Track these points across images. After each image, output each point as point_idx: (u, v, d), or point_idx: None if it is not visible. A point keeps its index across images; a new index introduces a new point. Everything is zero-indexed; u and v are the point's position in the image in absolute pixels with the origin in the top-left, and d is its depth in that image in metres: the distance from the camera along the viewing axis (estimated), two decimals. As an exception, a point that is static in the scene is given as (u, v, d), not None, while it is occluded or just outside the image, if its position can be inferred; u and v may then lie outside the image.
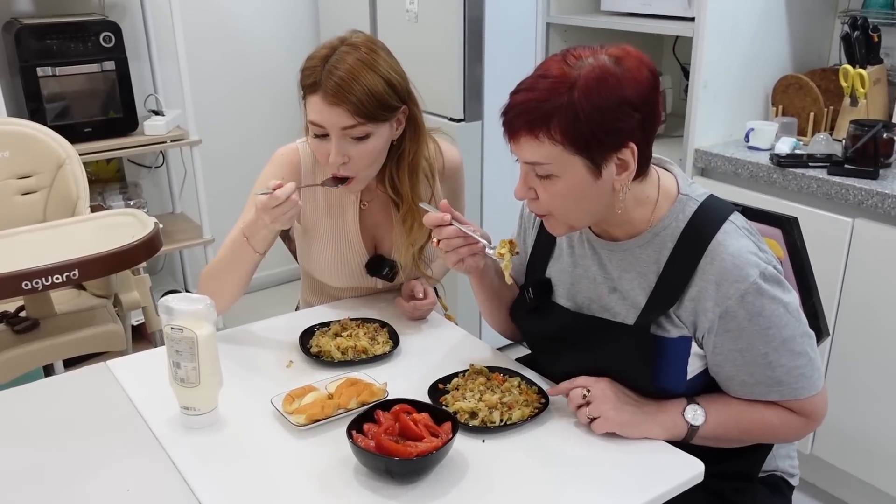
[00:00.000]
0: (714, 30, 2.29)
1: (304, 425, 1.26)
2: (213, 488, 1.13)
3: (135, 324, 2.74)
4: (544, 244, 1.43)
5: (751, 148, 2.35)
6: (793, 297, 1.23)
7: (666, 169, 1.31)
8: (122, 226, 1.91)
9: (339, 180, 1.53)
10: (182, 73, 2.94)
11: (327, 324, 1.59)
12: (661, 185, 1.27)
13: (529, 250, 1.47)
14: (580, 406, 1.25)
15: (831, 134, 2.38)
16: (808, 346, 1.24)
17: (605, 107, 1.11)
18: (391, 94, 1.47)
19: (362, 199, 1.68)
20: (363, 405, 1.30)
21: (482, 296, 1.49)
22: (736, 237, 1.21)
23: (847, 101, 2.38)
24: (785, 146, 2.26)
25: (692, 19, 2.33)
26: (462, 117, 2.79)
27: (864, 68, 2.31)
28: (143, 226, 1.88)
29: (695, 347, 1.25)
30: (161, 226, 1.92)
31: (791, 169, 2.16)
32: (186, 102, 2.99)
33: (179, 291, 3.30)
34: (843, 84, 2.36)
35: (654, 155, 1.25)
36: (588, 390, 1.25)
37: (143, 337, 2.73)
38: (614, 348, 1.28)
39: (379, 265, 1.70)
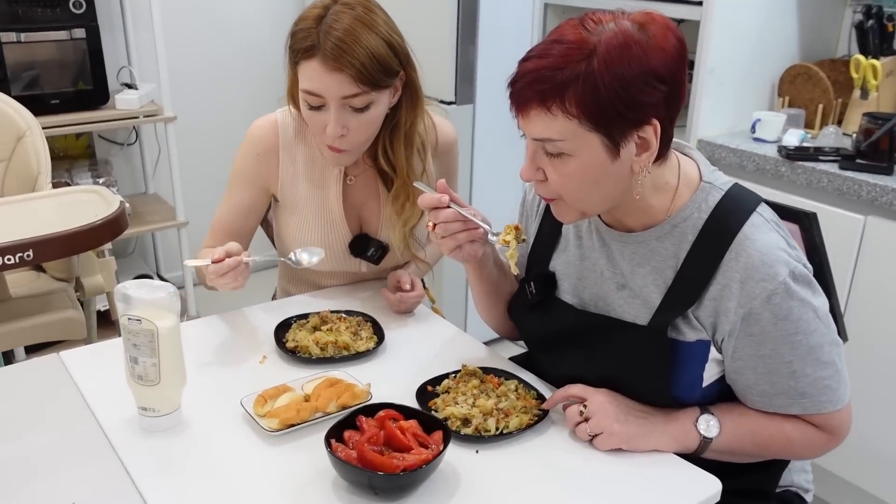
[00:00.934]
0: (722, 14, 2.18)
1: (277, 431, 1.13)
2: (171, 502, 1.00)
3: (101, 309, 2.59)
4: (548, 234, 1.30)
5: (756, 139, 2.24)
6: (822, 301, 1.12)
7: (686, 154, 1.19)
8: (85, 204, 1.75)
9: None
10: (158, 45, 2.79)
11: (305, 316, 1.45)
12: (682, 170, 1.14)
13: (532, 240, 1.34)
14: (578, 423, 1.14)
15: (839, 127, 2.27)
16: (836, 356, 1.13)
17: (628, 77, 0.98)
18: (392, 57, 1.36)
19: (349, 173, 1.56)
20: (344, 409, 1.18)
21: (479, 288, 1.36)
22: (764, 231, 1.09)
23: (857, 93, 2.27)
24: (793, 138, 2.15)
25: (699, 3, 2.22)
26: (453, 100, 2.67)
27: (878, 59, 2.20)
28: (108, 204, 1.73)
29: (713, 352, 1.13)
30: (128, 205, 1.77)
31: (800, 162, 2.05)
32: (162, 76, 2.83)
33: (150, 276, 3.16)
34: (854, 75, 2.25)
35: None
36: (584, 405, 1.13)
37: (110, 324, 2.57)
38: (625, 352, 1.16)
39: (364, 245, 1.58)
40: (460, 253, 1.23)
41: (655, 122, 1.02)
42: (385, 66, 1.35)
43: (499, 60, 2.70)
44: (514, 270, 1.23)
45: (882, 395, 1.99)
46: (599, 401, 1.13)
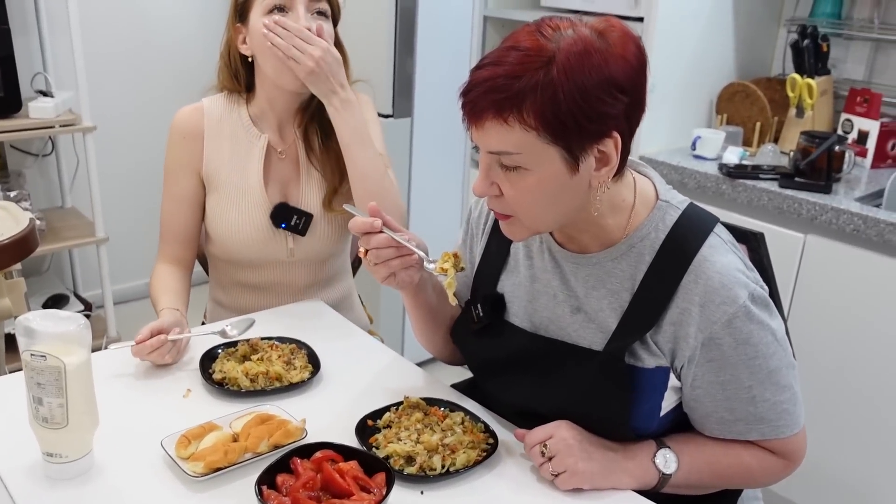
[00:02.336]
0: (662, 31, 2.17)
1: (203, 475, 1.02)
2: (78, 563, 0.89)
3: (10, 332, 2.40)
4: (496, 253, 1.24)
5: (697, 157, 2.24)
6: (780, 323, 1.09)
7: (641, 172, 1.14)
8: (-10, 221, 1.60)
9: None
10: (75, 50, 2.62)
11: (234, 344, 1.35)
12: (638, 188, 1.09)
13: (478, 260, 1.27)
14: (542, 464, 1.07)
15: (776, 144, 2.29)
16: (793, 378, 1.11)
17: (588, 87, 0.92)
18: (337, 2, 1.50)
19: (277, 148, 1.57)
20: (276, 448, 1.08)
21: (417, 315, 1.28)
22: (723, 252, 1.05)
23: (793, 111, 2.30)
24: (733, 156, 2.15)
25: (640, 19, 2.20)
26: (391, 113, 2.59)
27: (813, 78, 2.23)
28: (16, 222, 1.58)
29: (671, 379, 1.08)
30: (39, 221, 1.63)
31: (741, 180, 2.05)
32: (80, 83, 2.66)
33: (66, 296, 2.97)
34: (790, 94, 2.27)
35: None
36: (545, 444, 1.07)
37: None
38: (580, 379, 1.09)
39: (286, 213, 1.55)
40: (394, 280, 1.16)
41: (616, 134, 0.97)
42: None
43: (438, 73, 2.64)
44: (453, 301, 1.16)
45: (825, 414, 1.99)
46: (562, 436, 1.06)
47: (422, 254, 1.15)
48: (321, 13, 1.47)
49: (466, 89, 0.97)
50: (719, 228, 1.09)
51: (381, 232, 1.12)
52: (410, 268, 1.16)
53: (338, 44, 1.55)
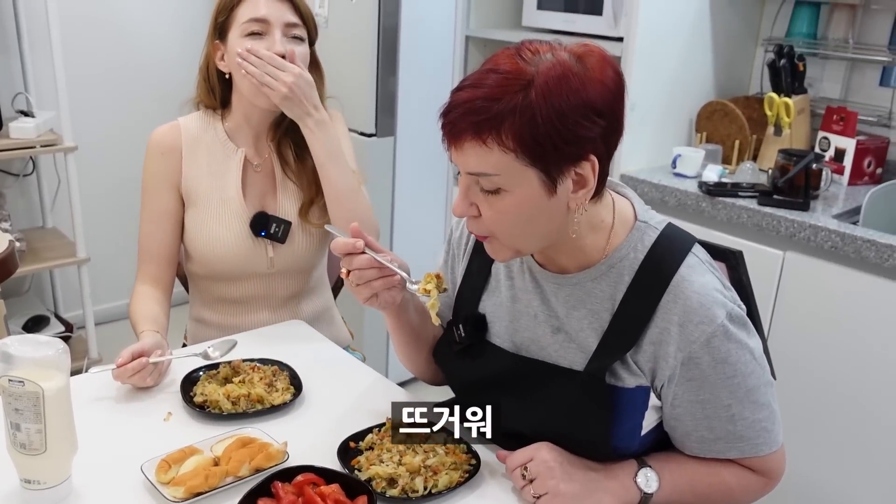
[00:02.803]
0: (641, 51, 2.20)
1: (183, 500, 1.01)
2: (56, 593, 0.88)
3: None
4: (477, 274, 1.24)
5: (677, 175, 2.26)
6: (757, 342, 1.10)
7: (619, 193, 1.15)
8: (-31, 243, 1.60)
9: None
10: (57, 70, 2.61)
11: (216, 366, 1.34)
12: (617, 209, 1.11)
13: (459, 280, 1.27)
14: (523, 486, 1.07)
15: (755, 162, 2.32)
16: (771, 397, 1.12)
17: (566, 110, 0.94)
18: (313, 21, 1.55)
19: (253, 161, 1.59)
20: (258, 472, 1.07)
21: (399, 335, 1.28)
22: (701, 272, 1.06)
23: (771, 129, 2.32)
24: (713, 174, 2.17)
25: (620, 39, 2.23)
26: (374, 132, 2.60)
27: (790, 97, 2.26)
28: (-5, 244, 1.58)
29: (652, 399, 1.09)
30: (17, 244, 1.62)
31: (720, 198, 2.07)
32: (61, 103, 2.65)
33: (48, 318, 2.94)
34: (768, 112, 2.30)
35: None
36: (526, 466, 1.07)
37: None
38: (562, 399, 1.10)
39: (264, 221, 1.57)
40: (377, 301, 1.16)
41: (593, 157, 0.98)
42: (312, 18, 1.54)
43: (420, 92, 2.66)
44: (436, 321, 1.16)
45: (806, 430, 2.00)
46: (543, 458, 1.06)
47: (404, 274, 1.15)
48: (297, 38, 1.51)
49: (446, 110, 0.98)
50: (697, 248, 1.10)
51: (363, 253, 1.12)
52: (393, 288, 1.16)
53: (315, 62, 1.58)
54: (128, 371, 1.26)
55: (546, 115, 0.93)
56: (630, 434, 1.09)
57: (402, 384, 1.39)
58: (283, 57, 1.45)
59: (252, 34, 1.48)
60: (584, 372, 1.08)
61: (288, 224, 1.57)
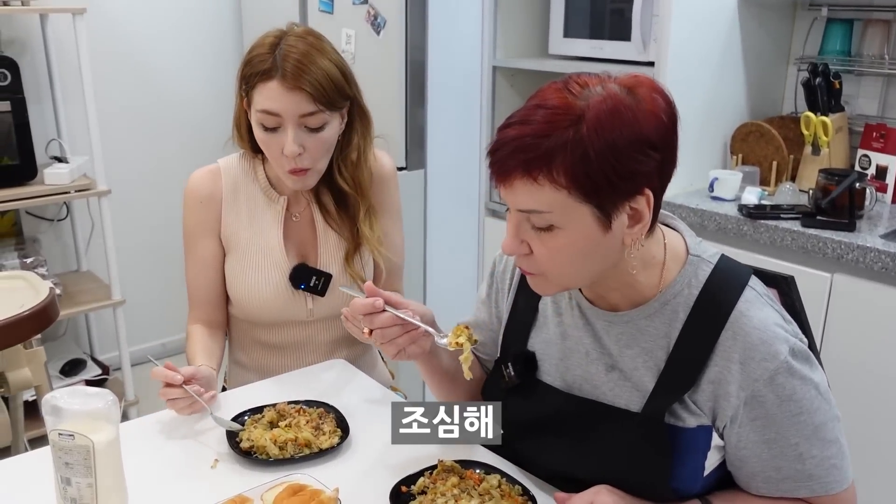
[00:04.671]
0: (673, 75, 2.17)
1: (236, 553, 0.98)
2: None
3: (29, 399, 2.37)
4: (524, 309, 1.21)
5: (714, 198, 2.22)
6: (822, 376, 1.05)
7: (669, 225, 1.12)
8: (10, 291, 1.60)
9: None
10: (89, 116, 2.64)
11: (260, 409, 1.32)
12: (668, 243, 1.07)
13: (505, 316, 1.24)
14: None
15: (794, 183, 2.27)
16: (839, 432, 1.07)
17: (619, 145, 0.91)
18: (343, 81, 1.44)
19: (292, 211, 1.56)
20: (310, 521, 1.04)
21: (433, 380, 1.27)
22: (759, 306, 1.03)
23: (808, 149, 2.28)
24: (752, 196, 2.13)
25: (650, 64, 2.21)
26: (404, 165, 2.59)
27: (826, 115, 2.22)
28: (36, 292, 1.58)
29: (714, 438, 1.04)
30: (58, 291, 1.62)
31: (762, 221, 2.03)
32: (94, 148, 2.68)
33: (84, 361, 2.95)
34: (805, 132, 2.26)
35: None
36: None
37: (37, 415, 2.36)
38: (618, 442, 1.06)
39: (305, 274, 1.53)
40: (405, 355, 1.15)
41: (648, 191, 0.95)
42: (339, 88, 1.42)
43: (449, 124, 2.65)
44: (468, 375, 1.13)
45: (861, 461, 1.93)
46: (603, 502, 1.02)
47: (430, 329, 1.14)
48: (313, 128, 1.41)
49: (493, 148, 0.96)
50: (753, 281, 1.07)
51: (383, 311, 1.11)
52: (419, 340, 1.15)
53: (360, 112, 1.51)
54: (173, 393, 1.26)
55: (599, 151, 0.91)
56: (692, 476, 1.05)
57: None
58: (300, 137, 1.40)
59: (266, 129, 1.40)
60: (641, 413, 1.04)
61: (329, 277, 1.53)
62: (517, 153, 0.93)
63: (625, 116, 0.92)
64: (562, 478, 1.13)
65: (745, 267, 1.09)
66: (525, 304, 1.21)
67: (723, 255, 1.09)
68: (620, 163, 0.92)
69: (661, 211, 1.11)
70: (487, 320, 1.28)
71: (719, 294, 1.03)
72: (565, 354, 1.14)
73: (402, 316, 1.11)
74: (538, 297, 1.19)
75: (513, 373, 1.17)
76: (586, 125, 0.91)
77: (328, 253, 1.56)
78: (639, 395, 1.06)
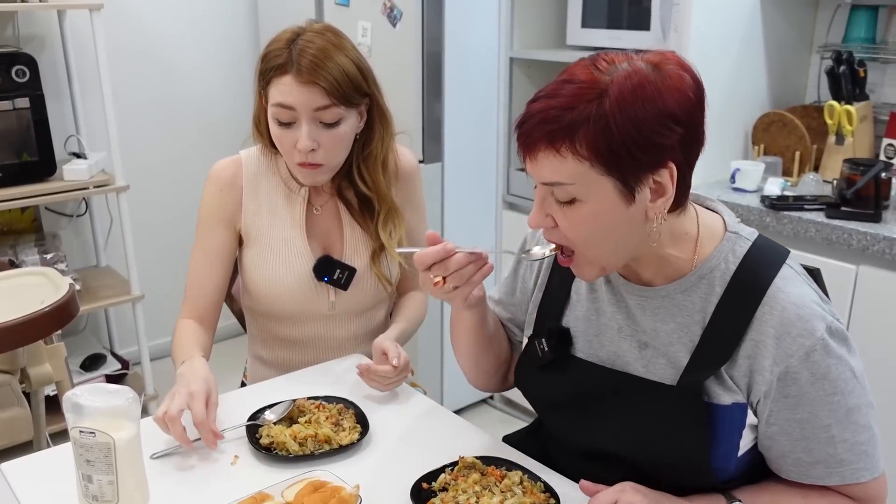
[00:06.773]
0: (695, 64, 2.14)
1: (258, 550, 0.98)
2: None
3: (50, 394, 2.39)
4: (559, 287, 1.20)
5: (736, 189, 2.19)
6: (858, 361, 1.04)
7: (709, 208, 1.12)
8: (30, 288, 1.60)
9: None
10: (107, 112, 2.65)
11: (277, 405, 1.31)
12: (702, 221, 1.07)
13: (540, 294, 1.23)
14: None
15: (817, 173, 2.23)
16: (872, 419, 1.06)
17: (642, 119, 0.92)
18: (361, 78, 1.42)
19: (313, 203, 1.55)
20: (331, 518, 1.03)
21: (468, 339, 1.23)
22: (797, 283, 1.03)
23: (832, 138, 2.24)
24: (775, 187, 2.10)
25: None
26: (421, 158, 2.57)
27: (851, 104, 2.18)
28: (56, 288, 1.58)
29: (749, 416, 1.04)
30: (78, 287, 1.62)
31: (785, 212, 2.00)
32: (112, 144, 2.69)
33: (104, 356, 2.96)
34: (829, 121, 2.22)
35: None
36: None
37: (58, 411, 2.37)
38: (654, 415, 1.05)
39: (329, 267, 1.52)
40: (473, 299, 1.13)
41: (672, 165, 0.96)
42: (355, 84, 1.40)
43: (466, 116, 2.63)
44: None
45: (889, 453, 1.90)
46: (629, 501, 1.01)
47: (507, 251, 1.17)
48: (328, 123, 1.39)
49: (521, 121, 0.98)
50: (792, 260, 1.07)
51: (455, 253, 1.08)
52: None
53: (380, 112, 1.50)
54: (175, 433, 1.19)
55: (621, 124, 0.92)
56: (726, 455, 1.04)
57: (457, 412, 1.34)
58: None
59: (281, 125, 1.40)
60: (677, 386, 1.04)
61: (353, 271, 1.52)
62: (542, 125, 0.94)
63: (648, 91, 0.92)
64: (592, 456, 1.12)
65: (783, 247, 1.09)
66: (560, 282, 1.21)
67: (761, 234, 1.09)
68: (643, 136, 0.92)
69: (701, 194, 1.11)
70: (511, 292, 1.29)
71: (757, 269, 1.03)
72: (599, 331, 1.14)
73: (473, 251, 1.08)
74: (573, 276, 1.17)
75: (546, 348, 1.16)
76: (609, 99, 0.92)
77: (353, 248, 1.54)
78: (673, 370, 1.05)
